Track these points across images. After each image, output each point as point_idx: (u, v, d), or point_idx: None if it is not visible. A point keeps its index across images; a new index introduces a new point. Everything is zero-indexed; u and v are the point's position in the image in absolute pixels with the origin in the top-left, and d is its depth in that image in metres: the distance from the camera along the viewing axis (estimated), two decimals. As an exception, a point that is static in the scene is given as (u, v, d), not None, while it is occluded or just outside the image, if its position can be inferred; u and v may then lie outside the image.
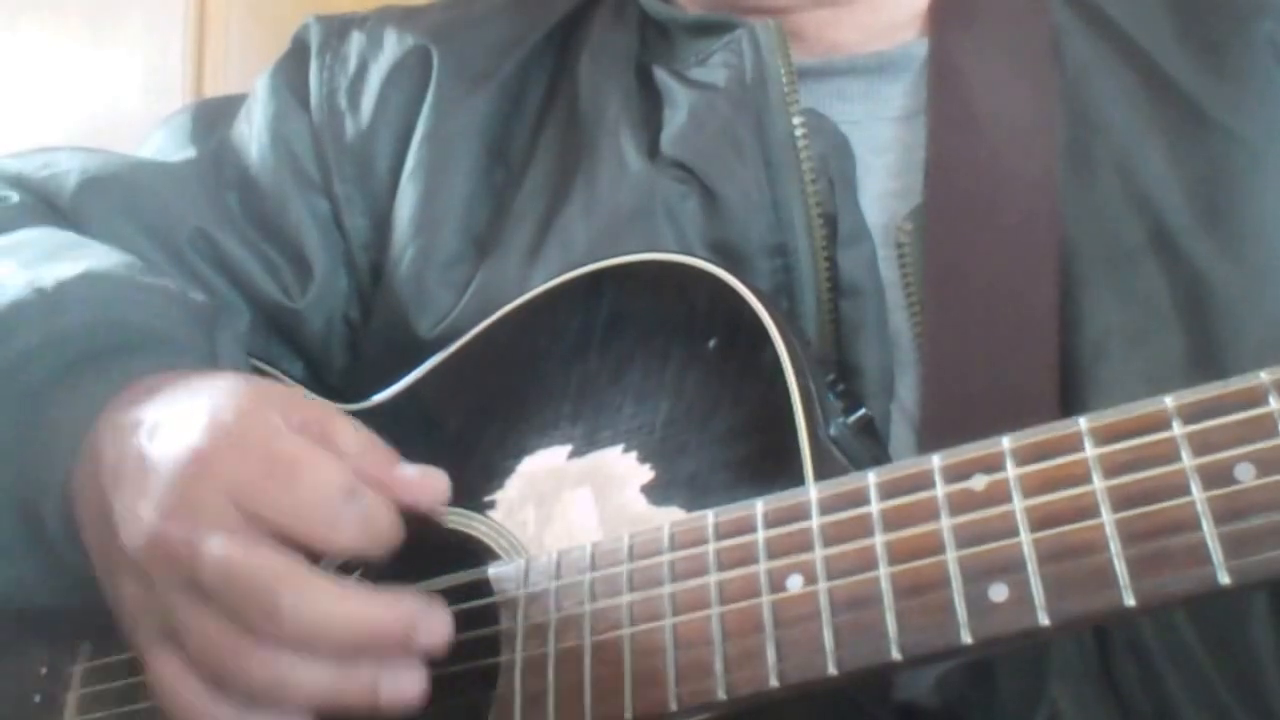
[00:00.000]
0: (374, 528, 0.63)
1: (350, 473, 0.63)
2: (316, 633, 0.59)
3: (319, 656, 0.60)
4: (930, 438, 0.75)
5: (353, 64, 0.95)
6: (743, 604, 0.61)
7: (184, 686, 0.62)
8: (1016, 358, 0.76)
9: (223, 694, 0.61)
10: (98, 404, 0.70)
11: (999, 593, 0.56)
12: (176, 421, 0.65)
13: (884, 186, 0.84)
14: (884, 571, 0.58)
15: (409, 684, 0.61)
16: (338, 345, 0.92)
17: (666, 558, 0.63)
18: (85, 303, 0.74)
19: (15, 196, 0.89)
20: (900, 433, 0.77)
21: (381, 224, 0.91)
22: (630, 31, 0.93)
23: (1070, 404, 0.74)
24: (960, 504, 0.58)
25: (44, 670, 0.80)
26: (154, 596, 0.63)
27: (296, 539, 0.61)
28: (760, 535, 0.62)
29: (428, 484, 0.66)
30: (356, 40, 0.97)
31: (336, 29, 0.98)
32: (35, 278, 0.75)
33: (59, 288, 0.75)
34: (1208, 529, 0.53)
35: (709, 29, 0.89)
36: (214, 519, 0.61)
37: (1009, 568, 0.56)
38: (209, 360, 0.77)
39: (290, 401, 0.67)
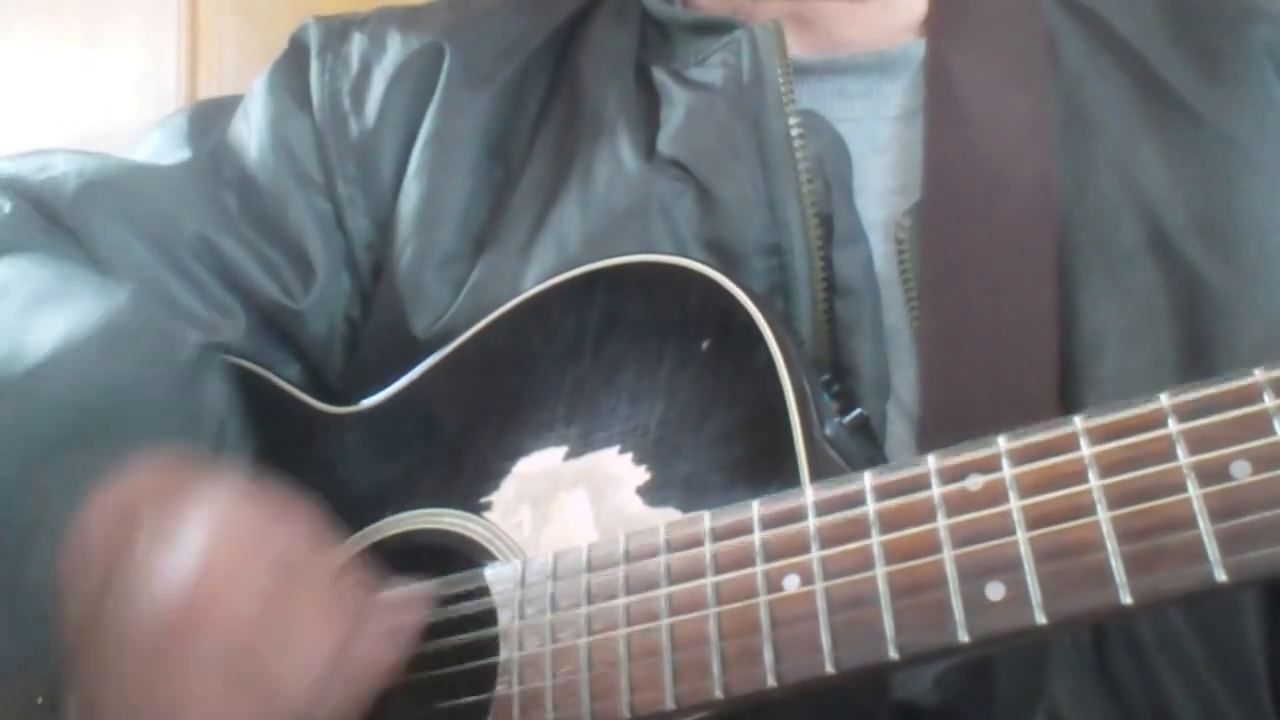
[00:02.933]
0: (378, 661, 0.64)
1: (338, 640, 0.63)
2: None
3: None
4: (928, 436, 0.75)
5: (355, 65, 0.95)
6: (740, 605, 0.61)
7: None
8: (1015, 356, 0.76)
9: None
10: (74, 498, 0.66)
11: (996, 592, 0.56)
12: (160, 563, 0.62)
13: (884, 184, 0.84)
14: (881, 571, 0.58)
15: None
16: (338, 346, 0.92)
17: (663, 559, 0.64)
18: (59, 384, 0.72)
19: (8, 206, 0.88)
20: (898, 431, 0.77)
21: (384, 224, 0.91)
22: (631, 31, 0.93)
23: (1068, 403, 0.74)
24: (957, 504, 0.58)
25: (40, 700, 0.80)
26: None
27: (290, 705, 0.61)
28: (757, 536, 0.62)
29: (410, 609, 0.66)
30: (358, 41, 0.96)
31: (336, 30, 0.98)
32: (9, 347, 0.73)
33: (27, 374, 0.72)
34: (1204, 526, 0.53)
35: (709, 29, 0.89)
36: (205, 679, 0.60)
37: (1005, 567, 0.56)
38: (194, 416, 0.76)
39: (272, 529, 0.65)
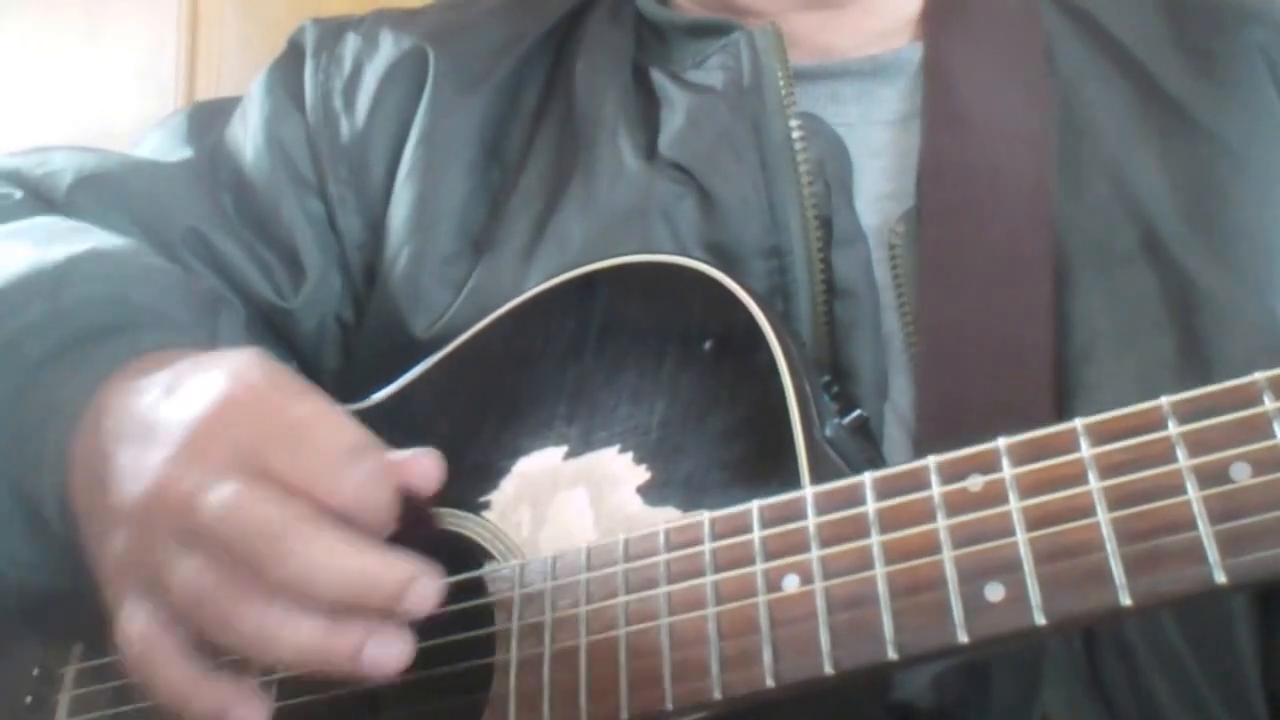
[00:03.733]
0: (374, 490, 0.62)
1: (358, 435, 0.63)
2: (317, 578, 0.59)
3: (310, 610, 0.60)
4: (924, 440, 0.75)
5: (348, 66, 0.95)
6: (739, 604, 0.61)
7: (155, 639, 0.62)
8: (1009, 360, 0.76)
9: (192, 654, 0.61)
10: (98, 377, 0.70)
11: (995, 592, 0.56)
12: (190, 383, 0.66)
13: (878, 189, 0.84)
14: (880, 571, 0.58)
15: (394, 652, 0.61)
16: (330, 346, 0.92)
17: (662, 558, 0.63)
18: (90, 279, 0.75)
19: (19, 193, 0.89)
20: (894, 434, 0.78)
21: (376, 225, 0.91)
22: (626, 33, 0.93)
23: (1061, 406, 0.74)
24: (956, 504, 0.58)
25: (36, 671, 0.80)
26: (144, 548, 0.62)
27: (301, 490, 0.61)
28: (756, 535, 0.62)
29: (422, 462, 0.65)
30: (352, 42, 0.97)
31: (331, 31, 0.98)
32: (42, 255, 0.76)
33: (66, 263, 0.75)
34: (1204, 528, 0.53)
35: (705, 31, 0.89)
36: (222, 468, 0.61)
37: (1005, 567, 0.56)
38: (210, 343, 0.77)
39: (298, 381, 0.68)
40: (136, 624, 0.62)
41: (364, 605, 0.60)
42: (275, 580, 0.59)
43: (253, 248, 0.91)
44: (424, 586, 0.61)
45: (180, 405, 0.64)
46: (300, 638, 0.60)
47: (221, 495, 0.60)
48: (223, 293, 0.87)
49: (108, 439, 0.66)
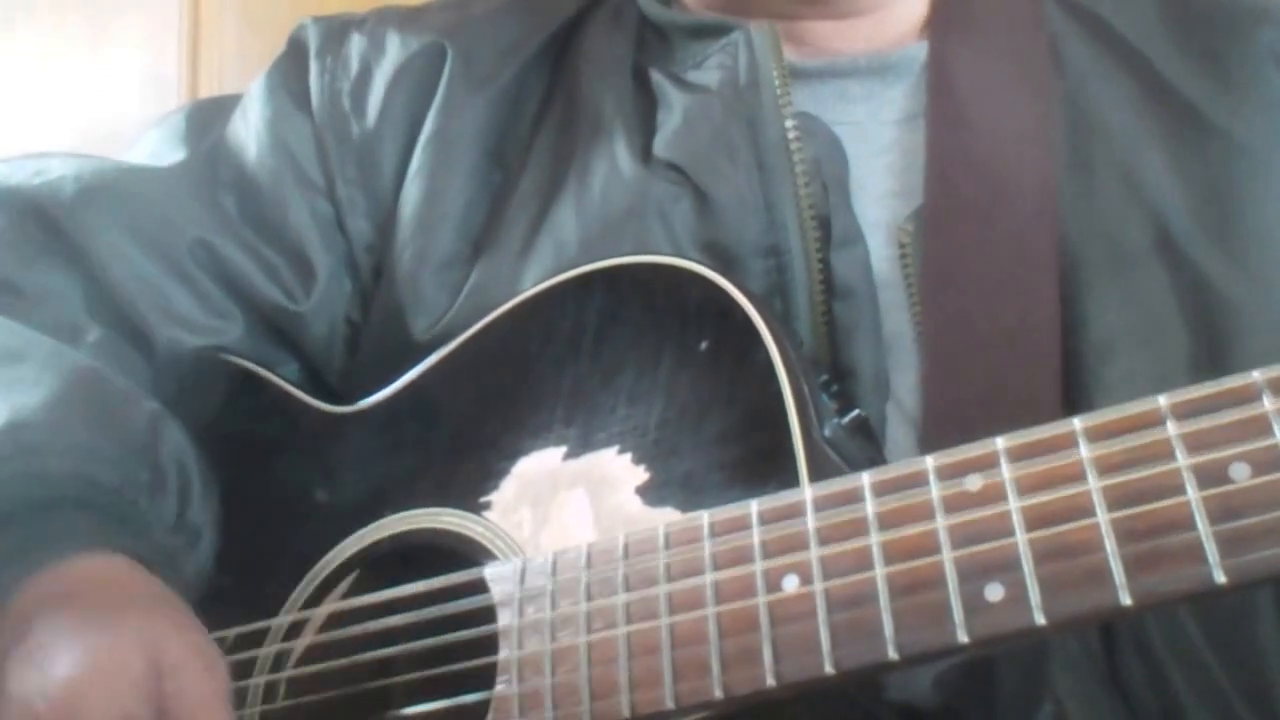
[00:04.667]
0: None
1: None
2: None
3: None
4: (930, 439, 0.75)
5: (355, 66, 0.95)
6: (739, 604, 0.61)
7: None
8: (1016, 359, 0.76)
9: None
10: (16, 577, 0.67)
11: (995, 592, 0.56)
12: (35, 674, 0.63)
13: (885, 187, 0.84)
14: (880, 571, 0.58)
15: None
16: (340, 347, 0.92)
17: (662, 558, 0.64)
18: (5, 460, 0.70)
19: (2, 219, 0.88)
20: (898, 434, 0.77)
21: (384, 225, 0.91)
22: (628, 33, 0.93)
23: (1075, 406, 0.74)
24: (955, 504, 0.58)
25: None
26: None
27: None
28: (756, 535, 0.62)
29: None
30: (357, 42, 0.96)
31: (335, 31, 0.98)
32: None
33: None
34: (1203, 528, 0.53)
35: (706, 32, 0.90)
36: None
37: (1005, 567, 0.56)
38: (150, 484, 0.75)
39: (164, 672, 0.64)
40: None
41: None
42: None
43: (259, 250, 0.91)
44: None
45: (22, 686, 0.62)
46: None
47: None
48: (159, 412, 0.81)
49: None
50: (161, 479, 0.76)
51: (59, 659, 0.62)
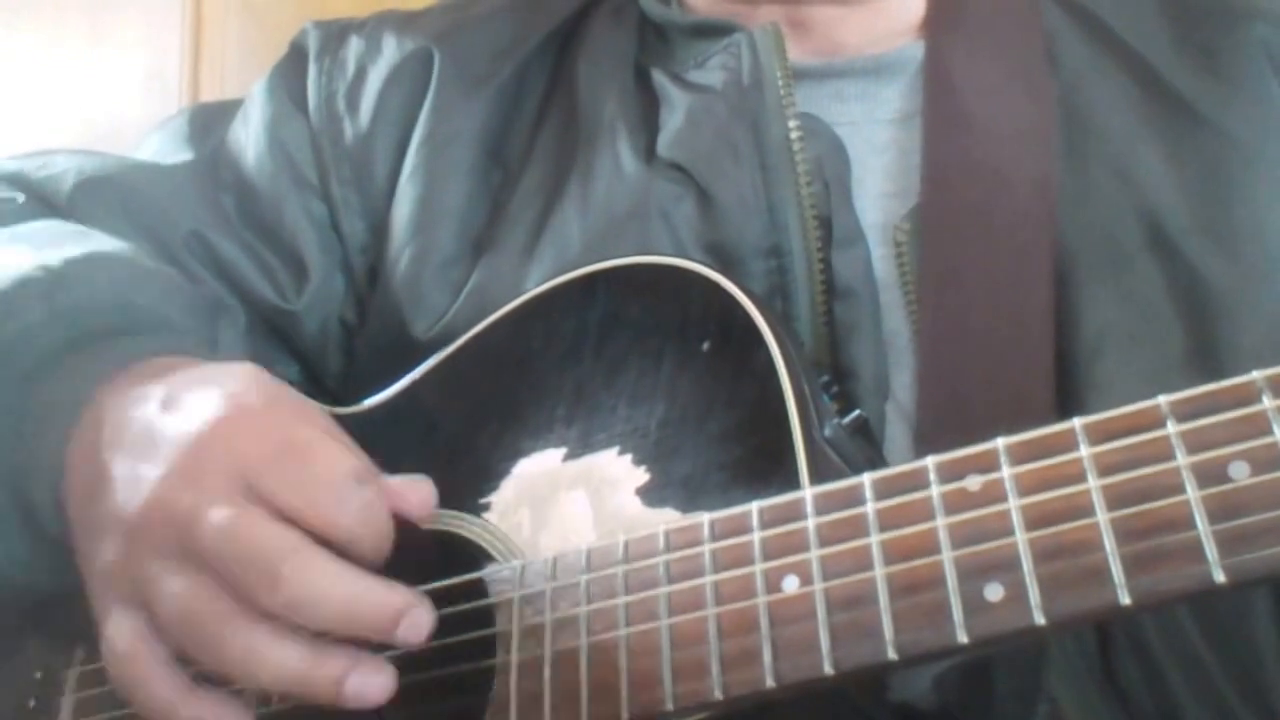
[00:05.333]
0: (375, 519, 0.63)
1: (359, 461, 0.63)
2: (311, 604, 0.59)
3: (297, 638, 0.60)
4: (926, 439, 0.75)
5: (351, 68, 0.96)
6: (738, 604, 0.60)
7: (141, 653, 0.62)
8: (1013, 359, 0.76)
9: (176, 670, 0.61)
10: (97, 381, 0.70)
11: (994, 592, 0.56)
12: (192, 397, 0.66)
13: (881, 187, 0.84)
14: (879, 572, 0.58)
15: (375, 686, 0.61)
16: (333, 348, 0.92)
17: (662, 559, 0.63)
18: (90, 282, 0.75)
19: (21, 196, 0.89)
20: (896, 434, 0.77)
21: (379, 227, 0.91)
22: (629, 33, 0.93)
23: (1067, 404, 0.74)
24: (955, 504, 0.58)
25: (39, 675, 0.80)
26: (135, 561, 0.62)
27: (301, 516, 0.61)
28: (756, 536, 0.62)
29: (417, 490, 0.66)
30: (355, 45, 0.97)
31: (335, 34, 0.98)
32: (42, 258, 0.76)
33: (65, 265, 0.75)
34: (1202, 527, 0.53)
35: (708, 32, 0.89)
36: (222, 490, 0.61)
37: (1004, 567, 0.56)
38: (210, 348, 0.77)
39: (302, 399, 0.68)
40: (122, 635, 0.63)
41: (355, 634, 0.61)
42: (267, 605, 0.59)
43: (255, 250, 0.92)
44: (417, 616, 0.62)
45: (179, 420, 0.64)
46: (284, 663, 0.60)
47: (220, 517, 0.60)
48: (222, 298, 0.87)
49: (104, 447, 0.66)
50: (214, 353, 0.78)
51: (201, 404, 0.65)
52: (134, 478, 0.63)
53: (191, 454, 0.63)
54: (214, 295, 0.85)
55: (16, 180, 0.91)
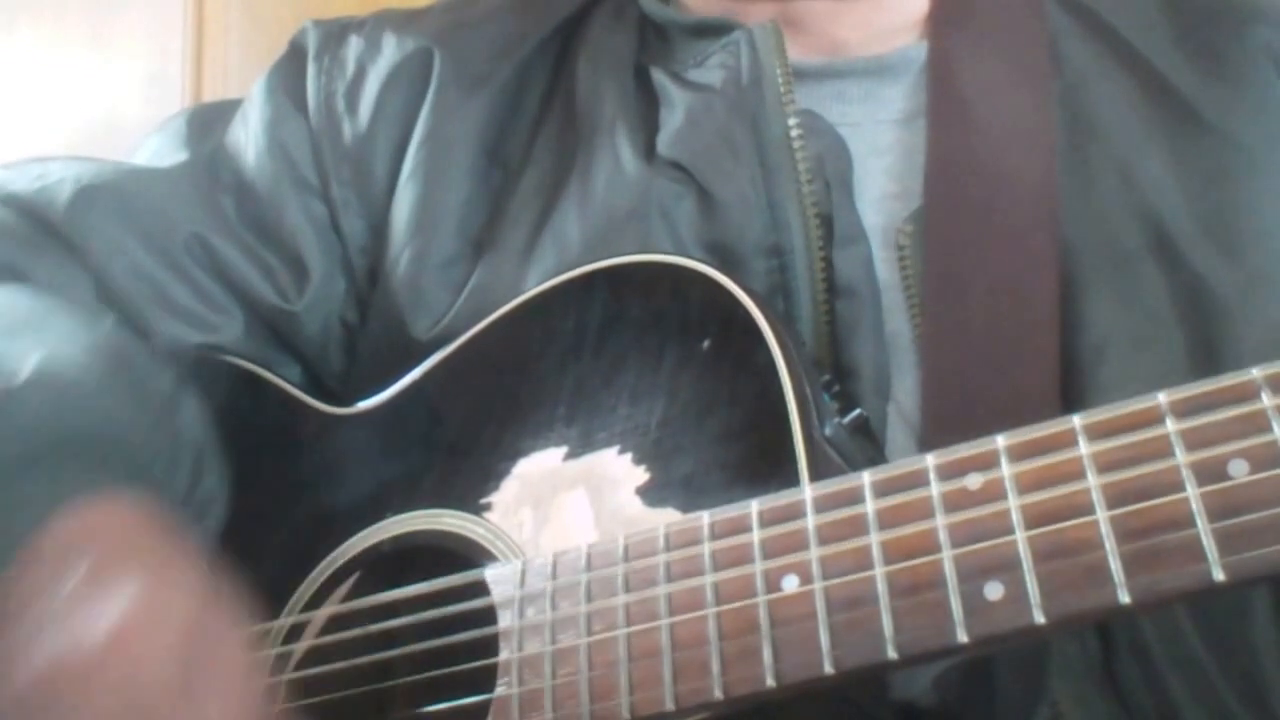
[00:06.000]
0: None
1: None
2: None
3: None
4: (929, 440, 0.74)
5: (350, 68, 0.95)
6: (739, 604, 0.60)
7: None
8: (1016, 360, 0.76)
9: None
10: (16, 538, 0.65)
11: (994, 591, 0.56)
12: (83, 608, 0.62)
13: (884, 189, 0.84)
14: (879, 571, 0.58)
15: None
16: (335, 348, 0.92)
17: (662, 559, 0.63)
18: (28, 405, 0.70)
19: (3, 214, 0.88)
20: (897, 435, 0.77)
21: (379, 227, 0.91)
22: (629, 32, 0.93)
23: (1071, 408, 0.73)
24: (955, 503, 0.58)
25: None
26: None
27: None
28: (755, 535, 0.62)
29: None
30: (354, 44, 0.97)
31: (334, 33, 0.98)
32: None
33: (7, 394, 0.70)
34: (1202, 526, 0.53)
35: (707, 31, 0.89)
36: None
37: (1004, 566, 0.56)
38: (169, 452, 0.74)
39: (195, 624, 0.63)
40: None
41: None
42: None
43: (255, 251, 0.92)
44: None
45: (70, 633, 0.61)
46: None
47: None
48: (180, 382, 0.81)
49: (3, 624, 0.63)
50: (177, 451, 0.76)
51: (103, 605, 0.62)
52: (14, 677, 0.60)
53: (71, 689, 0.59)
54: (169, 386, 0.79)
55: (5, 199, 0.90)
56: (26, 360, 0.71)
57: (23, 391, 0.70)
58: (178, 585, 0.64)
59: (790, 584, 0.60)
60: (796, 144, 0.82)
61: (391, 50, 0.95)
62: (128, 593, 0.62)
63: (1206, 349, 0.76)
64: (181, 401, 0.79)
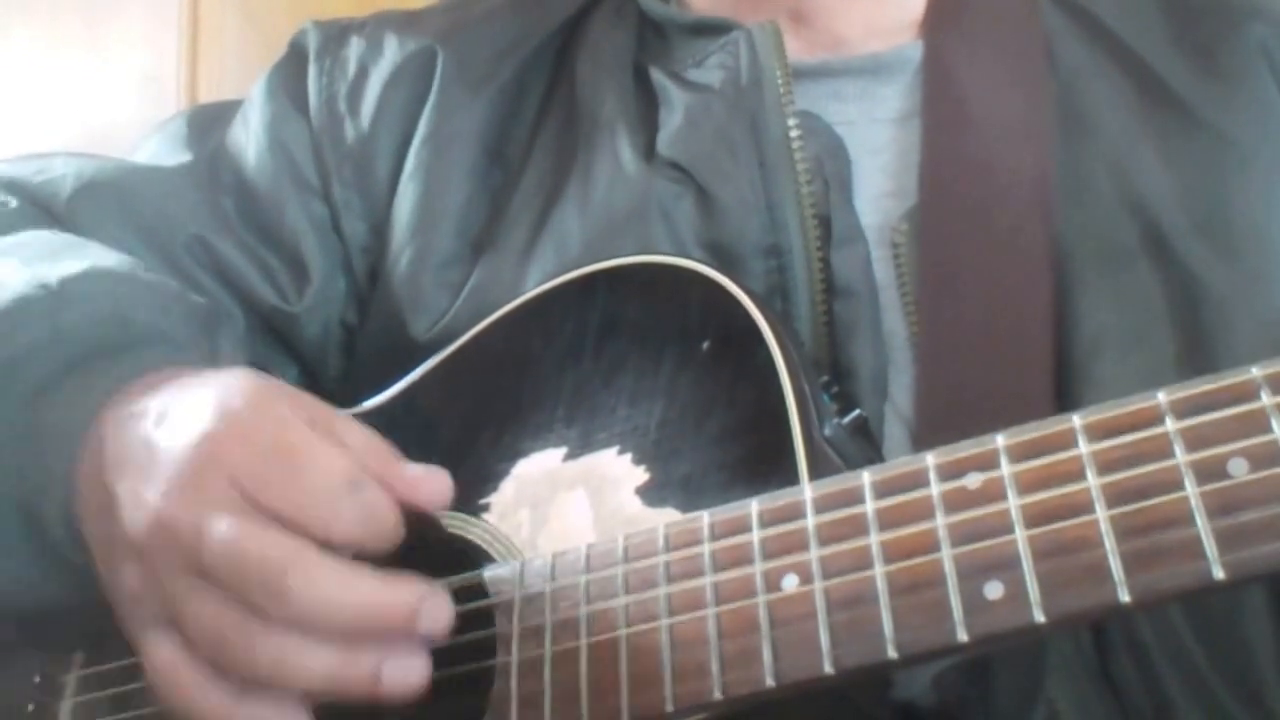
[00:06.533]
0: (375, 521, 0.62)
1: (354, 464, 0.63)
2: (322, 614, 0.59)
3: (323, 640, 0.60)
4: (925, 439, 0.75)
5: (352, 69, 0.95)
6: (738, 604, 0.60)
7: (182, 671, 0.61)
8: (1011, 358, 0.76)
9: (221, 679, 0.61)
10: (100, 399, 0.69)
11: (994, 590, 0.56)
12: (183, 410, 0.65)
13: (879, 188, 0.84)
14: (879, 570, 0.58)
15: (412, 671, 0.61)
16: (334, 349, 0.92)
17: (662, 559, 0.63)
18: (89, 299, 0.74)
19: (14, 201, 0.89)
20: (894, 434, 0.77)
21: (380, 227, 0.91)
22: (629, 32, 0.93)
23: (1065, 405, 0.73)
24: (955, 502, 0.58)
25: (38, 679, 0.80)
26: (154, 582, 0.62)
27: (298, 526, 0.60)
28: (755, 535, 0.62)
29: (431, 482, 0.65)
30: (355, 45, 0.97)
31: (335, 34, 0.98)
32: (39, 274, 0.75)
33: (63, 284, 0.75)
34: (1201, 524, 0.53)
35: (707, 30, 0.89)
36: (220, 502, 0.60)
37: (1004, 565, 0.56)
38: (210, 359, 0.77)
39: (297, 397, 0.67)
40: (162, 656, 0.62)
41: (375, 635, 0.60)
42: (285, 615, 0.59)
43: (255, 251, 0.92)
44: (434, 607, 0.61)
45: (174, 435, 0.64)
46: (314, 668, 0.60)
47: (220, 533, 0.59)
48: (221, 306, 0.86)
49: (108, 467, 0.66)
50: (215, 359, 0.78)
51: (194, 416, 0.65)
52: (137, 499, 0.63)
53: (188, 469, 0.62)
54: (211, 305, 0.84)
55: (10, 186, 0.91)
56: (75, 265, 0.76)
57: (79, 282, 0.75)
58: (264, 379, 0.68)
59: (790, 584, 0.60)
60: (795, 145, 0.82)
61: (393, 51, 0.95)
62: (225, 381, 0.66)
63: (1200, 346, 0.76)
64: (221, 319, 0.82)
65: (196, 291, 0.89)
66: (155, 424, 0.66)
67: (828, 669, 0.58)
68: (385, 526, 0.63)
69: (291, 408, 0.65)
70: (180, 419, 0.65)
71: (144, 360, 0.72)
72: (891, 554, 0.58)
